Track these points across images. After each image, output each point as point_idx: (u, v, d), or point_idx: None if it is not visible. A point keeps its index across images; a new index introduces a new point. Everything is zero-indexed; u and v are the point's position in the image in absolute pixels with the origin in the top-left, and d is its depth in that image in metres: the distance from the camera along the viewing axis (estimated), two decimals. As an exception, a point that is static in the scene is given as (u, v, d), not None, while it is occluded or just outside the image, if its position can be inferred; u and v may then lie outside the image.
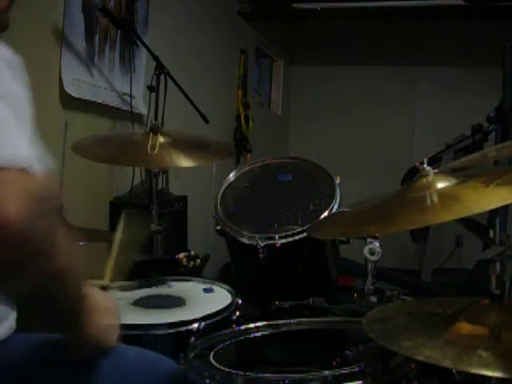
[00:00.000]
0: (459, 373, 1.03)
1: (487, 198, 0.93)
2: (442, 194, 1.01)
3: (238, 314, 1.43)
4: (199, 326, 1.29)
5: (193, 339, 1.25)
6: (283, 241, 1.69)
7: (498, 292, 0.94)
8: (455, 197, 0.97)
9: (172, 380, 1.08)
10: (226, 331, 1.26)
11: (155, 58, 2.19)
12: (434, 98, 4.89)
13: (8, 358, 0.98)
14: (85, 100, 2.17)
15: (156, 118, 2.10)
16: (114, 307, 0.96)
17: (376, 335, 0.95)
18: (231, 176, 1.96)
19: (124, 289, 1.57)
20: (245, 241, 1.73)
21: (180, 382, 1.07)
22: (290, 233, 1.70)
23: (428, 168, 1.08)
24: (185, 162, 1.72)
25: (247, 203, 1.91)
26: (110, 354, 0.95)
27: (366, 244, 1.65)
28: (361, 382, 0.97)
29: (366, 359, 1.00)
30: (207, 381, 1.01)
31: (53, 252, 0.71)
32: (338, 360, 1.07)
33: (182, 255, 1.77)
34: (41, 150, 0.76)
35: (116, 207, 2.35)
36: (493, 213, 1.08)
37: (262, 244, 1.68)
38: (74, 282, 0.80)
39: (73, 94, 2.08)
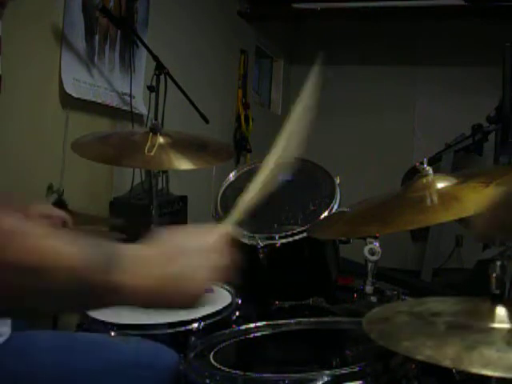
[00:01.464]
0: (459, 373, 1.03)
1: (487, 199, 0.93)
2: (441, 193, 1.01)
3: (237, 313, 1.43)
4: (199, 325, 1.29)
5: (193, 339, 1.25)
6: (283, 241, 1.69)
7: (497, 292, 0.93)
8: (455, 197, 0.97)
9: (170, 368, 1.08)
10: (226, 331, 1.26)
11: (155, 57, 2.19)
12: (434, 98, 4.89)
13: (5, 360, 0.98)
14: (85, 100, 2.17)
15: (156, 118, 2.10)
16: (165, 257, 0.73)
17: (376, 335, 0.95)
18: (231, 176, 1.96)
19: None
20: (245, 241, 1.73)
21: (179, 371, 1.07)
22: (289, 233, 1.69)
23: (428, 168, 1.08)
24: (184, 164, 1.72)
25: (247, 203, 1.90)
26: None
27: (366, 244, 1.65)
28: (361, 381, 0.97)
29: (366, 359, 1.00)
30: (207, 381, 1.01)
31: None
32: (337, 360, 1.07)
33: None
34: None
35: (116, 207, 2.35)
36: (493, 213, 1.08)
37: (261, 244, 1.68)
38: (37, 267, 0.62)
39: (73, 94, 2.08)
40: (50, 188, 1.78)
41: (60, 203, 1.74)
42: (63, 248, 0.64)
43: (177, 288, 0.71)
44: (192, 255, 0.73)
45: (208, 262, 0.74)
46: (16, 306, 0.64)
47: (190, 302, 0.75)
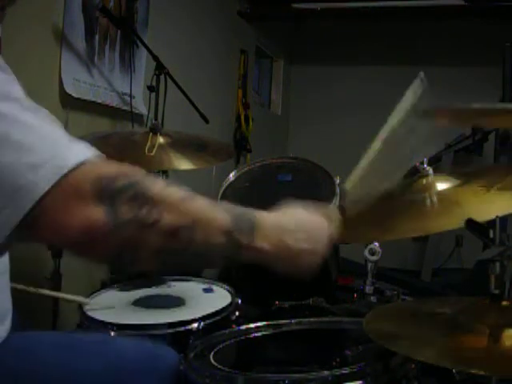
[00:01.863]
0: (459, 373, 1.03)
1: (489, 206, 0.92)
2: (441, 198, 1.00)
3: (237, 313, 1.43)
4: (199, 325, 1.29)
5: (192, 339, 1.25)
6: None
7: (497, 292, 0.93)
8: (456, 202, 0.96)
9: (170, 368, 1.08)
10: (226, 331, 1.26)
11: (155, 57, 2.19)
12: (434, 98, 4.88)
13: (6, 360, 0.98)
14: (85, 100, 2.17)
15: (156, 118, 2.10)
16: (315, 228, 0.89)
17: (376, 335, 0.95)
18: (231, 176, 1.95)
19: (124, 289, 1.58)
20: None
21: (179, 371, 1.07)
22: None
23: (428, 168, 1.08)
24: (184, 164, 1.72)
25: (247, 203, 1.90)
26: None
27: (366, 244, 1.65)
28: (361, 381, 0.96)
29: (366, 359, 1.00)
30: (207, 381, 1.01)
31: (153, 218, 0.68)
32: (337, 360, 1.07)
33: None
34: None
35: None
36: (493, 213, 1.08)
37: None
38: (206, 227, 0.74)
39: (73, 94, 2.08)
40: None
41: None
42: (215, 211, 0.75)
43: (298, 256, 0.85)
44: (311, 231, 0.87)
45: (322, 240, 0.88)
46: (171, 261, 0.76)
47: (304, 272, 0.90)
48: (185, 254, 0.74)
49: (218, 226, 0.74)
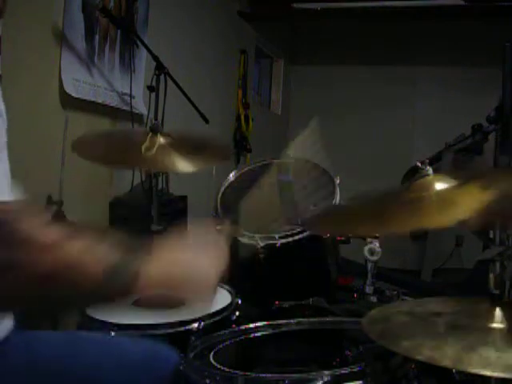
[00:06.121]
0: (459, 373, 1.03)
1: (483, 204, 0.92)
2: (438, 197, 1.00)
3: (237, 313, 1.43)
4: (199, 325, 1.29)
5: (193, 339, 1.25)
6: (283, 241, 1.69)
7: (497, 292, 0.93)
8: (452, 201, 0.96)
9: (170, 367, 1.08)
10: (226, 331, 1.26)
11: (155, 57, 2.19)
12: (434, 98, 4.89)
13: (8, 358, 0.98)
14: (85, 100, 2.18)
15: (156, 118, 2.10)
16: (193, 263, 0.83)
17: (376, 335, 0.95)
18: (231, 176, 1.96)
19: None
20: (245, 241, 1.73)
21: (179, 371, 1.07)
22: (289, 233, 1.70)
23: (428, 168, 1.08)
24: (184, 165, 1.72)
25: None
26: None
27: (366, 244, 1.65)
28: (361, 382, 0.97)
29: (366, 359, 1.00)
30: (207, 381, 1.01)
31: (18, 261, 0.65)
32: (337, 360, 1.07)
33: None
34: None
35: (116, 207, 2.35)
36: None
37: (261, 244, 1.68)
38: (80, 273, 0.70)
39: (73, 94, 2.08)
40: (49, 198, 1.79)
41: (59, 215, 1.74)
42: (88, 257, 0.70)
43: (189, 288, 0.81)
44: (202, 261, 0.82)
45: (215, 266, 0.84)
46: (44, 305, 0.75)
47: (201, 300, 0.87)
48: (52, 299, 0.72)
49: (89, 274, 0.70)
